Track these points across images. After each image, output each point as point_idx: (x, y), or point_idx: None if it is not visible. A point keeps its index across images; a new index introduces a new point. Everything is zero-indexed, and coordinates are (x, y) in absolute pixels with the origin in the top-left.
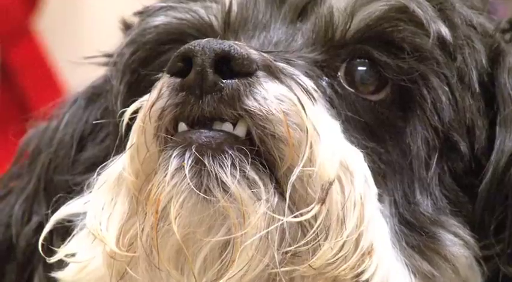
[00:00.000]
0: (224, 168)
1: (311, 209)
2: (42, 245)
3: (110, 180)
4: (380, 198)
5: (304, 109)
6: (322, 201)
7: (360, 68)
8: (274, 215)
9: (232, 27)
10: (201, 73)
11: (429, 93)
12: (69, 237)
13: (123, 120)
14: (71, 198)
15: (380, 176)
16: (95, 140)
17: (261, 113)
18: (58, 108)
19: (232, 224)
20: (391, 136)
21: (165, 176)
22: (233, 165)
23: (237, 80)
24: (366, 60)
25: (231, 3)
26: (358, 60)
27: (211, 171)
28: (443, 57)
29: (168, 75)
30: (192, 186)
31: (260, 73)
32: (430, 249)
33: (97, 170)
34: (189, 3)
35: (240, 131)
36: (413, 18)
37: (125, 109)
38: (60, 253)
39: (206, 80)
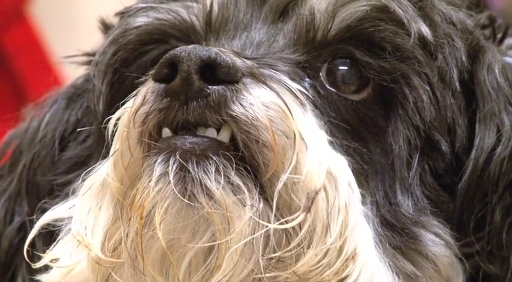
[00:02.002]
0: (208, 174)
1: (296, 217)
2: (27, 250)
3: (94, 186)
4: (362, 199)
5: (292, 116)
6: (308, 209)
7: (341, 68)
8: (260, 221)
9: (214, 27)
10: (186, 79)
11: (411, 92)
12: (54, 242)
13: (108, 128)
14: (54, 200)
15: (362, 177)
16: (77, 139)
17: (246, 119)
18: (38, 108)
19: (216, 229)
20: (373, 136)
21: (149, 182)
22: (217, 171)
23: (223, 86)
24: (348, 60)
25: (212, 3)
26: (339, 60)
27: (196, 177)
28: (424, 57)
29: (153, 81)
30: (177, 192)
31: (247, 80)
32: (412, 249)
33: (82, 175)
34: (170, 3)
35: (224, 136)
36: (394, 17)
37: (109, 117)
38: (46, 258)
39: (192, 86)
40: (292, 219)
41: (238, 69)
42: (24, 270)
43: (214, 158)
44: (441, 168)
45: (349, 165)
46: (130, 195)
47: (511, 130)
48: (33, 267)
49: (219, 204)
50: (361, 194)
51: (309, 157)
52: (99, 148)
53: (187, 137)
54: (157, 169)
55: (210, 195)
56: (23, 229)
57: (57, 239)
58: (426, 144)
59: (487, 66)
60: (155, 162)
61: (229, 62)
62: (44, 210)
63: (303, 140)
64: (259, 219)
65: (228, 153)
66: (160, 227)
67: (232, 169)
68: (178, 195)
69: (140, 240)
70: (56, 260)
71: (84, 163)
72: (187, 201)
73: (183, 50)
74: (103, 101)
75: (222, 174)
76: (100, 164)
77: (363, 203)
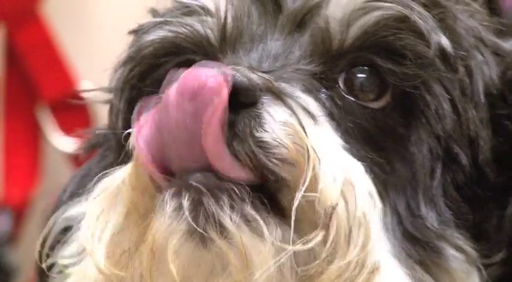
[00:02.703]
0: (223, 208)
1: (315, 236)
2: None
3: (108, 190)
4: (383, 211)
5: (305, 131)
6: (327, 226)
7: (359, 76)
8: (283, 245)
9: (229, 40)
10: None
11: (432, 100)
12: (67, 246)
13: (129, 140)
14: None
15: (382, 187)
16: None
17: (271, 142)
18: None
19: (233, 266)
20: (393, 144)
21: (161, 217)
22: (232, 206)
23: (246, 114)
24: (366, 68)
25: (226, 15)
26: (357, 68)
27: (209, 211)
28: (444, 68)
29: None
30: (192, 224)
31: (265, 98)
32: (434, 263)
33: (96, 178)
34: (184, 17)
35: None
36: (413, 28)
37: (129, 130)
38: (60, 261)
39: None
40: (312, 239)
41: (256, 87)
42: None
43: (230, 192)
44: (461, 180)
45: (368, 174)
46: (141, 227)
47: None
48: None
49: (234, 239)
50: (382, 205)
51: (323, 171)
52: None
53: (201, 172)
54: (170, 203)
55: (224, 230)
56: None
57: (70, 243)
58: (446, 156)
59: None
60: (166, 197)
61: (247, 83)
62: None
63: (316, 154)
64: (280, 244)
65: (243, 184)
66: (173, 263)
67: (248, 202)
68: (192, 229)
69: (151, 277)
70: (68, 264)
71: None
72: (200, 237)
73: None
74: (122, 119)
75: (238, 209)
76: (116, 168)
77: (384, 214)
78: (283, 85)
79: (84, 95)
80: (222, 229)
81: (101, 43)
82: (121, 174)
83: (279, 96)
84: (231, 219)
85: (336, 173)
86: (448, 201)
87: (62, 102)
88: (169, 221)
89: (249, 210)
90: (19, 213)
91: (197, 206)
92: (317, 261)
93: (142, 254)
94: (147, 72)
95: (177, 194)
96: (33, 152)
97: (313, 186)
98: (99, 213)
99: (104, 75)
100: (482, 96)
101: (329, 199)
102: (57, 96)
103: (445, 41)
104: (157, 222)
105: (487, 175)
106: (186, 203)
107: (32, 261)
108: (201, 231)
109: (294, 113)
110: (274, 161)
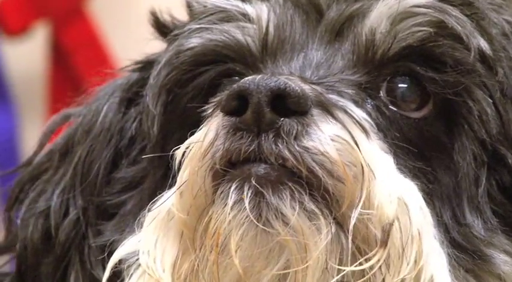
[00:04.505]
0: (284, 200)
1: (374, 254)
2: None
3: (159, 217)
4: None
5: (358, 148)
6: (385, 243)
7: (401, 85)
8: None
9: (270, 49)
10: (258, 112)
11: (474, 105)
12: (128, 277)
13: (175, 159)
14: (110, 222)
15: (428, 197)
16: (129, 156)
17: (317, 154)
18: (92, 96)
19: (292, 256)
20: (436, 153)
21: (224, 208)
22: (292, 197)
23: (294, 119)
24: (407, 77)
25: (268, 25)
26: (398, 78)
27: (271, 203)
28: (484, 71)
29: (223, 114)
30: (252, 218)
31: (314, 111)
32: (484, 271)
33: (147, 206)
34: (224, 24)
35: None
36: (451, 33)
37: (175, 147)
38: None
39: (264, 119)
40: (370, 258)
41: (307, 97)
42: (78, 264)
43: (289, 185)
44: (508, 182)
45: (417, 187)
46: (201, 224)
47: None
48: (83, 259)
49: (295, 230)
50: (430, 216)
51: (378, 188)
52: (154, 170)
53: (261, 164)
54: (232, 195)
55: (285, 221)
56: (79, 222)
57: (130, 274)
58: (492, 159)
59: None
60: (230, 188)
61: (299, 91)
62: (99, 233)
63: (372, 171)
64: (335, 246)
65: (301, 181)
66: (236, 254)
67: (307, 195)
68: (254, 221)
69: (217, 269)
70: None
71: (138, 184)
72: (262, 227)
73: (252, 82)
74: (157, 124)
75: (297, 201)
76: (165, 193)
77: (432, 225)
78: (334, 97)
79: None
80: (283, 218)
81: (146, 40)
82: (170, 200)
83: (330, 110)
84: (291, 209)
85: (391, 189)
86: (494, 206)
87: None
88: (231, 212)
89: (309, 202)
90: None
91: (259, 196)
92: (367, 276)
93: (206, 248)
94: (185, 79)
95: (239, 185)
96: None
97: (367, 203)
98: (155, 240)
99: None
100: None
101: (386, 216)
102: None
103: (483, 44)
104: (219, 214)
105: None
106: (248, 193)
107: None
108: (263, 221)
109: (345, 127)
110: (316, 166)
